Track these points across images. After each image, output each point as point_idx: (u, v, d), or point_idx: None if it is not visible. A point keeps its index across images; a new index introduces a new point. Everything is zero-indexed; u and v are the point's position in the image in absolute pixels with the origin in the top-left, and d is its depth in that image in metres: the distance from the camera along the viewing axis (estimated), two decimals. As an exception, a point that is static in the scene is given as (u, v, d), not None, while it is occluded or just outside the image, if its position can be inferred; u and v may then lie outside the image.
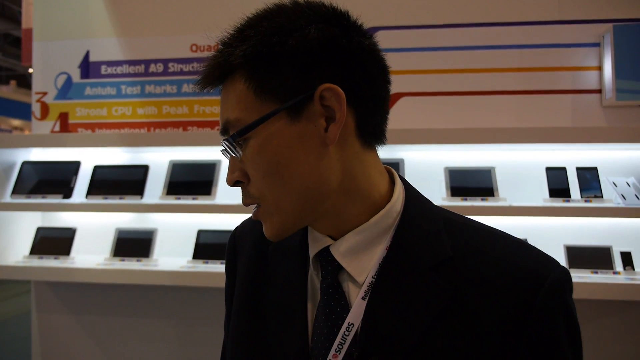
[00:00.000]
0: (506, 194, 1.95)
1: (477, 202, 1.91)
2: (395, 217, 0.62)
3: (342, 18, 0.60)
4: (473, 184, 1.99)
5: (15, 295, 6.49)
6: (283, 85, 0.56)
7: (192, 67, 2.35)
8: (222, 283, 1.94)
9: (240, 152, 0.59)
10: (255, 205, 0.62)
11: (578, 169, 1.96)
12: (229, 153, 0.61)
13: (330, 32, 0.57)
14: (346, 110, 0.57)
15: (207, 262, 2.05)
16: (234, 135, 0.58)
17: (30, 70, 2.47)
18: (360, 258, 0.61)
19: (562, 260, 1.92)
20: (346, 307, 0.61)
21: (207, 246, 2.12)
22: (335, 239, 0.62)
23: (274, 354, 0.64)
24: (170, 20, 2.35)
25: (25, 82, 11.81)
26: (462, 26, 2.14)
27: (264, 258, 0.72)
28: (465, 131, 1.90)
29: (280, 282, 0.68)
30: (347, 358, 0.58)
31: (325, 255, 0.63)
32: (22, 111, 6.57)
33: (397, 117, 2.17)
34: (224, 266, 2.01)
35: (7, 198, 2.18)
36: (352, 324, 0.59)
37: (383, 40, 2.21)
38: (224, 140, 0.60)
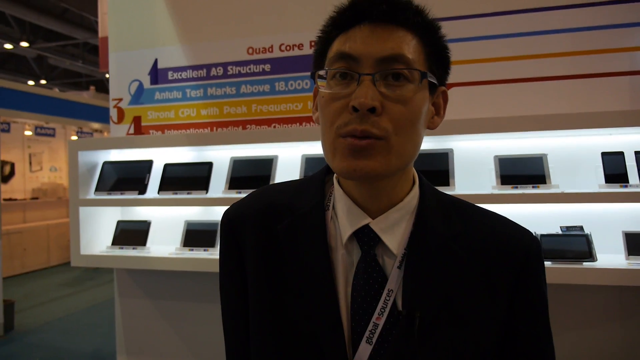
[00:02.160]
0: (559, 181, 1.93)
1: (528, 190, 1.91)
2: (417, 199, 0.74)
3: None
4: (524, 171, 1.98)
5: (99, 285, 7.10)
6: (436, 67, 0.70)
7: (249, 69, 2.50)
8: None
9: (394, 81, 0.65)
10: (368, 138, 0.63)
11: (637, 153, 1.90)
12: (397, 80, 0.65)
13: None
14: None
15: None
16: (424, 73, 0.66)
17: (107, 76, 2.73)
18: (396, 233, 0.71)
19: (621, 247, 1.87)
20: (384, 277, 0.70)
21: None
22: (371, 215, 0.71)
23: (304, 329, 0.70)
24: (228, 25, 2.52)
25: (103, 87, 12.73)
26: (510, 13, 2.12)
27: (274, 239, 0.75)
28: (516, 119, 1.90)
29: (303, 262, 0.72)
30: (390, 318, 0.68)
31: (365, 232, 0.70)
32: (101, 115, 7.14)
33: (447, 107, 2.19)
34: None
35: (92, 195, 2.45)
36: (392, 290, 0.69)
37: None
38: (402, 69, 0.64)
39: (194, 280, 2.51)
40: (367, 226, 0.71)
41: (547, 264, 1.83)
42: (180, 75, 2.62)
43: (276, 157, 2.29)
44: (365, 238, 0.71)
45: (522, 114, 2.08)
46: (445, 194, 0.79)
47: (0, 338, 4.77)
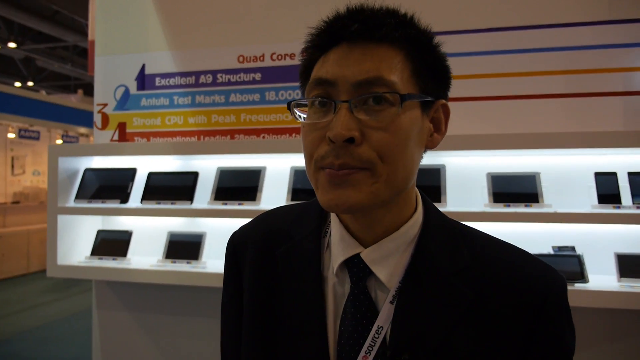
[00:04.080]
0: (552, 200, 1.90)
1: (520, 209, 1.87)
2: (418, 228, 0.67)
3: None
4: (517, 189, 1.95)
5: (79, 293, 6.93)
6: (430, 81, 0.64)
7: (239, 77, 2.45)
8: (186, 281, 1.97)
9: (375, 106, 0.59)
10: (348, 169, 0.59)
11: (630, 174, 1.88)
12: (379, 104, 0.59)
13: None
14: None
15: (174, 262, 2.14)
16: (405, 96, 0.59)
17: None
18: (390, 265, 0.64)
19: (613, 269, 1.84)
20: (375, 312, 0.64)
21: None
22: (366, 244, 0.65)
23: None
24: (219, 32, 2.47)
25: (91, 90, 12.55)
26: (506, 29, 2.11)
27: (271, 264, 0.73)
28: (509, 137, 1.87)
29: (295, 290, 0.69)
30: (377, 358, 0.62)
31: (356, 262, 0.65)
32: (88, 119, 7.02)
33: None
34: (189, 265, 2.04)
35: (71, 202, 2.37)
36: (382, 327, 0.63)
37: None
38: (379, 93, 0.59)
39: (175, 294, 2.42)
40: (357, 256, 0.65)
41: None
42: (168, 81, 2.55)
43: (264, 168, 2.24)
44: (355, 269, 0.66)
45: (515, 131, 2.05)
46: (455, 221, 0.72)
47: (-27, 347, 4.61)
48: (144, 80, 2.60)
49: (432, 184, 2.00)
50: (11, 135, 8.37)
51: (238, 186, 2.24)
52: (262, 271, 0.73)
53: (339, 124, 0.58)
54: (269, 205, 2.15)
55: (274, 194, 2.20)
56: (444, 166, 2.04)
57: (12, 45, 9.85)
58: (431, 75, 0.64)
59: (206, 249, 2.25)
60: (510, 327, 0.62)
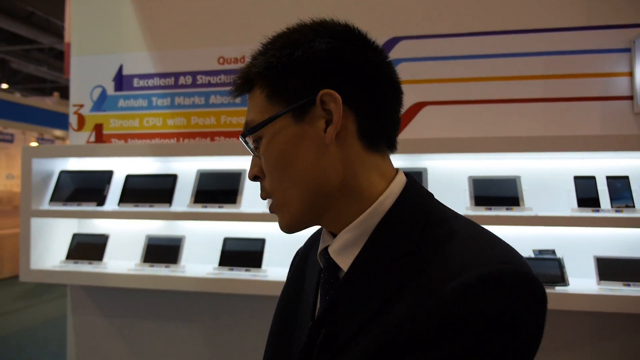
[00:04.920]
0: (532, 204, 1.91)
1: (502, 212, 1.88)
2: (381, 216, 0.65)
3: (350, 33, 0.66)
4: (498, 193, 1.96)
5: (53, 299, 6.75)
6: (290, 91, 0.64)
7: (220, 79, 2.42)
8: (246, 290, 1.97)
9: (253, 149, 0.68)
10: (269, 204, 0.70)
11: (608, 177, 1.91)
12: (248, 149, 0.70)
13: (334, 45, 0.64)
14: (346, 114, 0.64)
15: (232, 269, 2.10)
16: (245, 133, 0.67)
17: None
18: (349, 254, 0.65)
19: (592, 272, 1.86)
20: None
21: (232, 253, 2.16)
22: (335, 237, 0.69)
23: (289, 350, 0.71)
24: (199, 33, 2.43)
25: (67, 93, 12.33)
26: (485, 34, 2.12)
27: (304, 267, 0.81)
28: (490, 140, 1.88)
29: (308, 284, 0.76)
30: (310, 334, 0.65)
31: (327, 256, 0.69)
32: (64, 122, 6.87)
33: (420, 126, 2.17)
34: (248, 273, 2.04)
35: (46, 205, 2.29)
36: None
37: (405, 50, 2.27)
38: (241, 137, 0.68)
39: (154, 298, 2.37)
40: (326, 249, 0.69)
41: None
42: (147, 82, 2.50)
43: (244, 170, 2.20)
44: (326, 261, 0.69)
45: (497, 134, 2.07)
46: (443, 209, 0.67)
47: (-59, 356, 4.43)
48: (121, 81, 2.54)
49: (414, 187, 1.99)
50: (-16, 138, 8.15)
51: (218, 189, 2.20)
52: (297, 275, 0.81)
53: (250, 165, 0.71)
54: (249, 208, 2.12)
55: (255, 198, 2.17)
56: (425, 169, 2.04)
57: (-15, 46, 9.61)
58: (295, 81, 0.64)
59: (185, 253, 2.21)
60: (405, 317, 0.55)
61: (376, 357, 0.56)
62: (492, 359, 0.51)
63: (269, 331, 0.80)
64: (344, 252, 0.65)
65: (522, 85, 2.09)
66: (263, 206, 2.09)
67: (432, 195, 0.69)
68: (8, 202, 8.64)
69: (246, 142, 0.68)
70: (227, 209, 2.09)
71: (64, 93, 12.28)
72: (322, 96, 0.63)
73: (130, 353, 2.41)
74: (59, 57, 11.30)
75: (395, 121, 0.69)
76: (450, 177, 2.07)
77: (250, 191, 2.18)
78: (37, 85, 13.87)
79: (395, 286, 0.58)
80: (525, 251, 1.92)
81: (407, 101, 2.18)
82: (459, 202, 1.99)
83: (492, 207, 1.91)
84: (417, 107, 2.18)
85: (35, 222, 2.26)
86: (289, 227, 0.68)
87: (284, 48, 0.64)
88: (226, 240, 2.19)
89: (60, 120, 6.63)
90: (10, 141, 8.87)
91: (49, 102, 8.29)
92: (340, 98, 0.62)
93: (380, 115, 0.66)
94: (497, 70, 2.11)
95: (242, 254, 2.15)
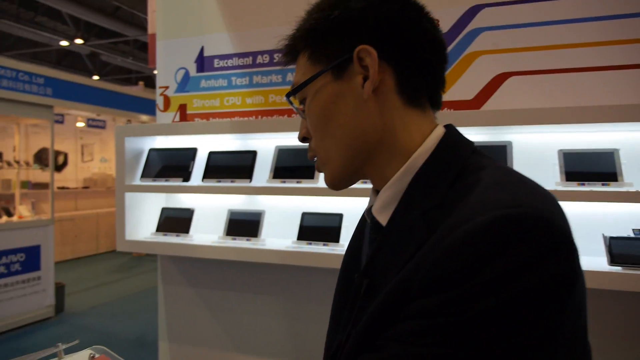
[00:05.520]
0: (633, 179, 1.76)
1: (597, 187, 1.75)
2: (415, 171, 0.66)
3: None
4: (592, 168, 1.82)
5: (143, 273, 7.29)
6: (329, 51, 0.68)
7: (296, 56, 2.43)
8: (324, 263, 2.00)
9: (300, 109, 0.73)
10: (315, 161, 0.74)
11: None
12: (295, 110, 0.74)
13: (369, 3, 0.66)
14: (384, 69, 0.66)
15: (310, 244, 2.13)
16: (289, 93, 0.72)
17: (155, 72, 2.74)
18: (387, 212, 0.67)
19: (703, 253, 1.68)
20: None
21: (310, 228, 2.20)
22: None
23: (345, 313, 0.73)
24: (275, 12, 2.46)
25: (151, 83, 13.11)
26: (580, -5, 1.95)
27: (365, 225, 0.81)
28: (583, 110, 1.74)
29: (365, 242, 0.79)
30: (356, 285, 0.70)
31: (370, 213, 0.71)
32: (149, 107, 7.32)
33: (505, 98, 2.05)
34: (326, 247, 2.07)
35: (137, 181, 2.46)
36: None
37: (486, 18, 2.15)
38: (286, 97, 0.73)
39: (236, 270, 2.48)
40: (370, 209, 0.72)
41: (616, 269, 1.67)
42: (226, 62, 2.58)
43: (322, 146, 2.22)
44: (371, 221, 0.72)
45: (590, 104, 1.91)
46: (480, 161, 0.64)
47: (52, 318, 4.96)
48: (203, 62, 2.64)
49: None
50: (80, 125, 8.88)
51: (296, 165, 2.24)
52: (359, 233, 0.84)
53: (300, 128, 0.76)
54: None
55: (332, 173, 2.18)
56: (510, 143, 1.94)
57: (78, 41, 10.41)
58: (334, 41, 0.67)
59: (265, 227, 2.28)
60: (415, 265, 0.56)
61: (389, 303, 0.57)
62: (492, 308, 0.48)
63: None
64: (383, 211, 0.67)
65: (618, 51, 1.91)
66: (340, 181, 2.10)
67: (472, 146, 0.67)
68: (102, 183, 9.40)
69: (292, 104, 0.73)
70: (305, 183, 2.13)
71: (148, 82, 13.06)
72: (359, 52, 0.65)
73: (215, 322, 2.55)
74: (143, 49, 12.01)
75: (438, 78, 0.70)
76: (537, 151, 1.95)
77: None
78: (124, 76, 14.85)
79: (422, 239, 0.58)
80: (624, 230, 1.78)
81: (490, 72, 2.07)
82: (548, 177, 1.87)
83: (586, 183, 1.78)
84: (501, 77, 2.06)
85: (129, 197, 2.43)
86: (333, 184, 0.72)
87: (322, 10, 0.69)
88: (304, 215, 2.23)
89: (146, 106, 7.06)
90: (103, 127, 9.61)
91: (135, 90, 8.84)
92: (375, 53, 0.65)
93: (419, 70, 0.67)
94: (588, 36, 1.94)
95: (319, 229, 2.18)
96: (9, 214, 5.03)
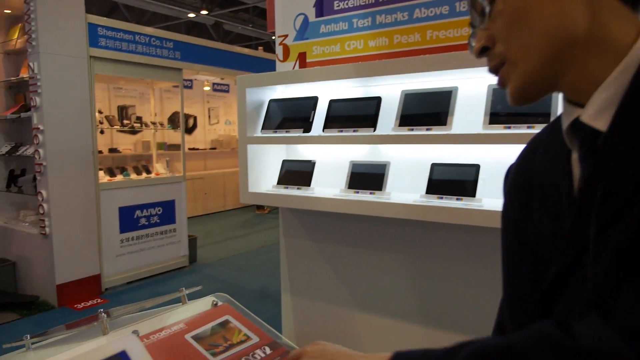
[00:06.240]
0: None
1: None
2: (635, 68, 0.56)
3: None
4: None
5: (270, 228, 7.65)
6: None
7: (425, -12, 2.16)
8: (458, 220, 1.78)
9: (487, 12, 0.62)
10: (496, 70, 0.64)
11: None
12: (478, 20, 0.64)
13: None
14: None
15: (441, 198, 1.91)
16: None
17: (274, 38, 2.66)
18: (606, 116, 0.57)
19: None
20: None
21: (441, 182, 1.97)
22: (582, 105, 0.60)
23: (531, 260, 0.66)
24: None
25: (270, 48, 13.48)
26: None
27: (529, 174, 0.71)
28: None
29: (548, 174, 0.67)
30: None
31: (578, 127, 0.60)
32: (270, 68, 7.48)
33: None
34: (460, 202, 1.84)
35: (258, 132, 2.42)
36: None
37: None
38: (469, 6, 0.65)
39: (358, 225, 2.36)
40: (577, 120, 0.60)
41: None
42: (347, 3, 2.39)
43: (456, 88, 1.95)
44: (580, 133, 0.60)
45: None
46: None
47: (186, 267, 5.41)
48: (322, 5, 2.48)
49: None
50: (206, 89, 9.42)
51: (425, 111, 2.00)
52: (520, 186, 0.73)
53: (475, 42, 0.65)
54: (462, 130, 1.88)
55: (469, 119, 1.91)
56: None
57: (204, 12, 10.97)
58: None
59: (390, 180, 2.10)
60: None
61: None
62: None
63: (502, 248, 0.74)
64: (600, 115, 0.57)
65: None
66: (478, 127, 1.83)
67: None
68: (227, 144, 9.97)
69: (477, 11, 0.64)
70: (436, 131, 1.89)
71: (267, 48, 13.44)
72: None
73: (335, 276, 2.48)
74: (261, 15, 12.31)
75: None
76: None
77: (462, 111, 1.93)
78: (245, 43, 15.45)
79: None
80: None
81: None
82: None
83: None
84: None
85: (251, 149, 2.40)
86: (523, 89, 0.61)
87: None
88: (434, 167, 2.00)
89: (267, 67, 7.22)
90: (227, 91, 10.10)
91: (257, 52, 9.10)
92: None
93: None
94: None
95: (452, 182, 1.95)
96: (148, 172, 5.51)
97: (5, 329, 3.73)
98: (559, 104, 1.62)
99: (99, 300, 4.36)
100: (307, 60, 2.54)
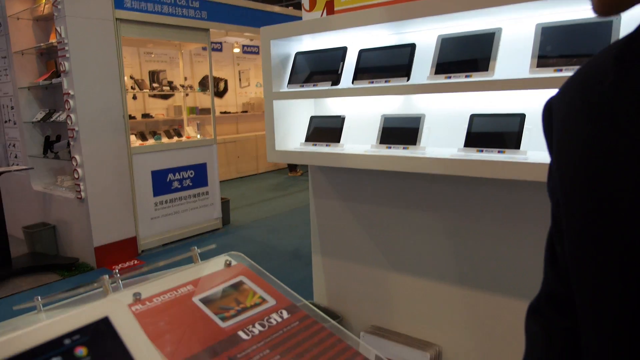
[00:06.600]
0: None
1: None
2: None
3: None
4: None
5: (302, 190, 7.61)
6: None
7: None
8: (500, 174, 1.62)
9: None
10: None
11: None
12: None
13: None
14: None
15: (481, 151, 1.76)
16: None
17: None
18: None
19: None
20: None
21: (481, 134, 1.82)
22: None
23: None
24: None
25: (297, 5, 13.14)
26: None
27: (592, 109, 0.51)
28: None
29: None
30: None
31: None
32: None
33: None
34: (501, 155, 1.69)
35: (285, 88, 2.30)
36: None
37: None
38: None
39: (390, 182, 2.24)
40: None
41: None
42: (378, -58, 2.19)
43: (499, 30, 1.76)
44: None
45: None
46: None
47: (220, 230, 5.45)
48: (350, -53, 2.28)
49: None
50: (236, 51, 9.26)
51: (464, 58, 1.82)
52: (574, 118, 0.54)
53: None
54: (505, 76, 1.70)
55: (514, 64, 1.73)
56: None
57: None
58: None
59: (425, 134, 1.95)
60: None
61: None
62: None
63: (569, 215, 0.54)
64: None
65: None
66: (524, 72, 1.65)
67: None
68: (259, 107, 9.87)
69: None
70: (477, 77, 1.72)
71: (297, 7, 13.07)
72: None
73: (367, 236, 2.39)
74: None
75: None
76: None
77: (506, 56, 1.75)
78: (275, 4, 15.13)
79: None
80: None
81: None
82: None
83: None
84: None
85: (277, 105, 2.29)
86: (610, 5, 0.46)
87: None
88: (473, 118, 1.84)
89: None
90: (257, 53, 9.92)
91: (278, 9, 8.83)
92: None
93: None
94: None
95: (494, 134, 1.78)
96: (179, 136, 5.50)
97: (48, 289, 3.86)
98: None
99: (135, 262, 4.45)
100: (335, 9, 2.37)
